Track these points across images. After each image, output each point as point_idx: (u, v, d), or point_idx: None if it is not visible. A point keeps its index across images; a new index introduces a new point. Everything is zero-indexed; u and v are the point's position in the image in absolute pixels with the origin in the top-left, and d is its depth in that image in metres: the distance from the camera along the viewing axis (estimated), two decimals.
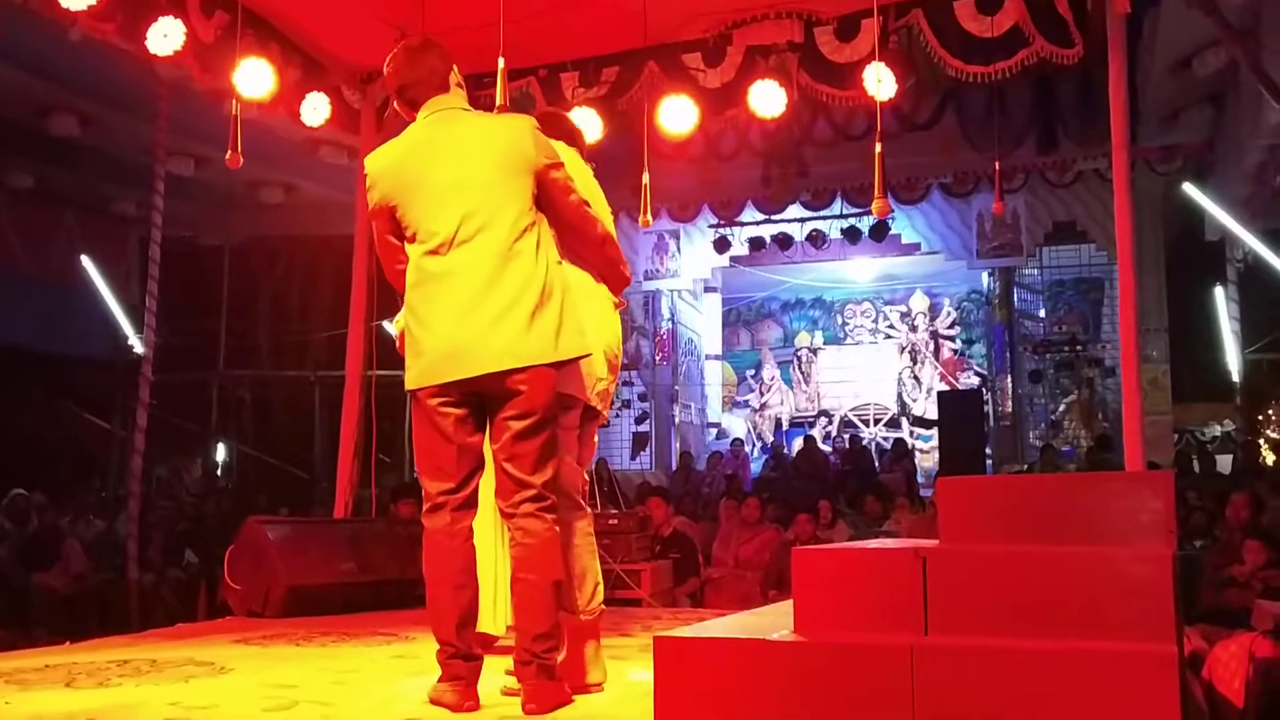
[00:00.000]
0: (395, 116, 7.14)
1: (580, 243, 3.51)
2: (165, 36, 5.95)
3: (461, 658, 3.14)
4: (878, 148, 5.24)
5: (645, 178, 6.12)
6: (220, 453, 16.08)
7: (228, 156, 5.75)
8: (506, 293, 3.12)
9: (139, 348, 11.73)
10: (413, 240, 3.25)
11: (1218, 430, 15.26)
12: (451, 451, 3.18)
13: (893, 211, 12.87)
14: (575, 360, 3.28)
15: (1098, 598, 2.62)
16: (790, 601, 2.95)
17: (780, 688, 2.64)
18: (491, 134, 3.29)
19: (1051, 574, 2.68)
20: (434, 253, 3.18)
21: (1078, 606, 2.62)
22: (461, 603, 3.16)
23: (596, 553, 3.52)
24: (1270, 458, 13.52)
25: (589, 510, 3.60)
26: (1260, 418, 14.74)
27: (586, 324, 3.42)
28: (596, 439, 3.79)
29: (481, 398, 3.17)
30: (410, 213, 3.24)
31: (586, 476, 3.76)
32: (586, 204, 3.44)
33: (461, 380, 3.12)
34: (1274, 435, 14.22)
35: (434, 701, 3.14)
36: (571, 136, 3.82)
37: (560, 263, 3.31)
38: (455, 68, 3.39)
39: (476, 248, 3.14)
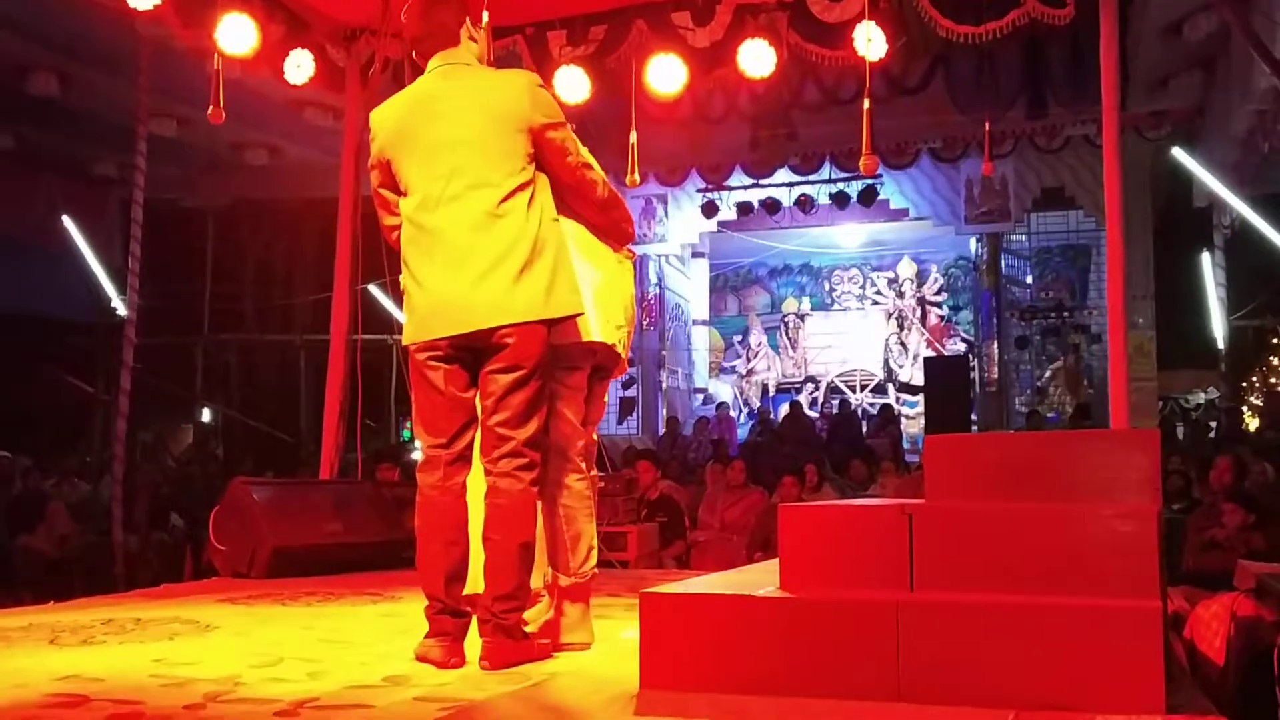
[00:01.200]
0: (380, 75, 7.12)
1: (582, 206, 3.46)
2: None
3: (449, 614, 3.15)
4: (866, 104, 5.21)
5: (633, 137, 6.09)
6: (205, 417, 16.03)
7: (209, 111, 5.67)
8: (494, 249, 3.10)
9: (122, 311, 11.64)
10: (406, 195, 3.25)
11: (1202, 397, 15.34)
12: (443, 405, 3.19)
13: (881, 171, 12.84)
14: (570, 319, 3.26)
15: (1083, 554, 2.62)
16: (776, 560, 2.95)
17: (766, 643, 2.64)
18: (487, 90, 3.26)
19: (1037, 531, 2.69)
20: (425, 209, 3.18)
21: (1063, 563, 2.62)
22: (452, 559, 3.17)
23: (594, 516, 3.51)
24: (1253, 423, 13.59)
25: (588, 472, 3.60)
26: (1244, 384, 14.81)
27: (599, 278, 3.43)
28: (606, 399, 3.79)
29: (474, 353, 3.17)
30: (404, 167, 3.24)
31: (596, 438, 3.75)
32: (588, 166, 3.39)
33: (452, 336, 3.12)
34: (1257, 401, 14.30)
35: (420, 658, 3.15)
36: None
37: (556, 219, 3.28)
38: (468, 21, 3.35)
39: (466, 204, 3.13)
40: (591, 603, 3.56)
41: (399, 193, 3.30)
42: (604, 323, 3.48)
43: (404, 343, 3.25)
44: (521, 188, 3.17)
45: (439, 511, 3.19)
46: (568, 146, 3.31)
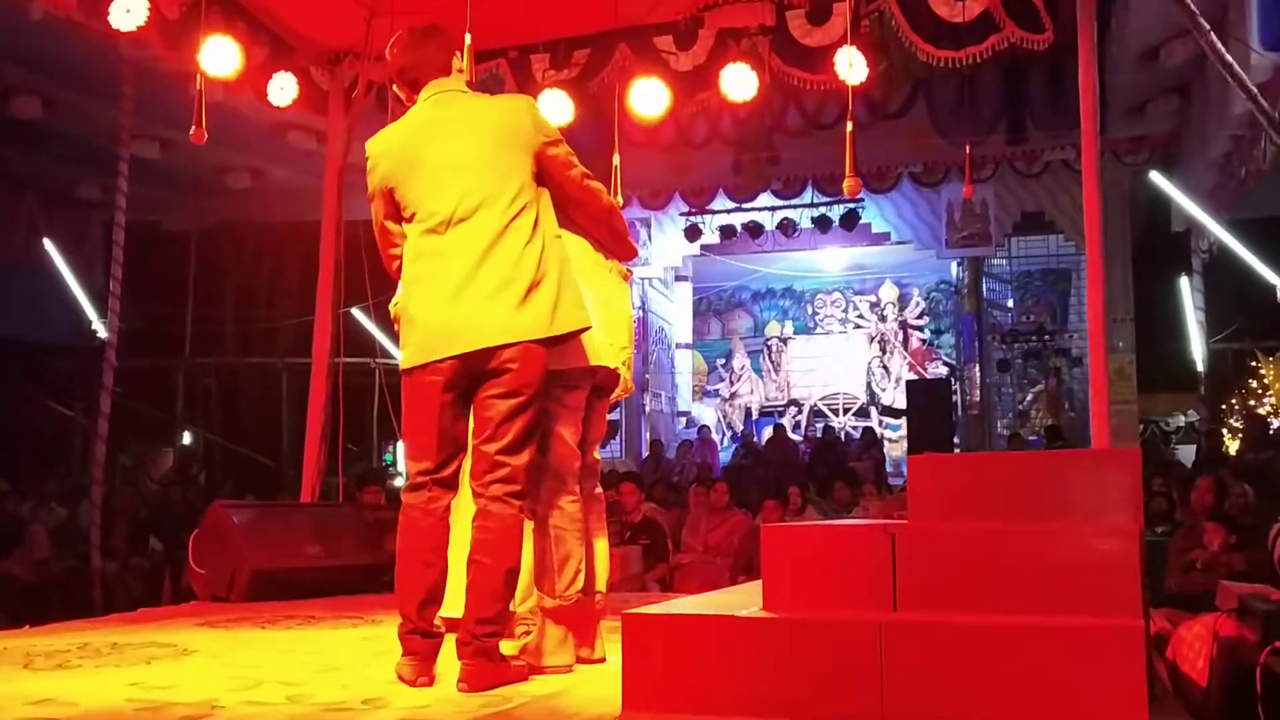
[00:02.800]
0: (363, 98, 7.14)
1: (586, 217, 3.51)
2: (128, 12, 5.85)
3: (420, 634, 3.16)
4: (848, 126, 5.25)
5: (615, 159, 6.11)
6: (186, 440, 15.92)
7: (192, 132, 5.67)
8: (500, 270, 3.13)
9: (103, 333, 11.58)
10: (411, 220, 3.27)
11: (1182, 420, 15.42)
12: (434, 433, 3.20)
13: (862, 195, 12.91)
14: (574, 336, 3.28)
15: (1065, 573, 2.63)
16: (760, 581, 2.95)
17: (749, 664, 2.63)
18: (490, 115, 3.32)
19: (1020, 550, 2.69)
20: (432, 231, 3.20)
21: (1045, 582, 2.63)
22: (427, 581, 3.17)
23: (583, 539, 3.50)
24: (1233, 446, 13.66)
25: (592, 490, 3.64)
26: (1224, 407, 14.90)
27: (598, 299, 3.46)
28: (608, 417, 3.80)
29: (472, 378, 3.17)
30: (409, 192, 3.26)
31: (598, 456, 3.76)
32: (589, 176, 3.45)
33: (454, 358, 3.13)
34: (1237, 424, 14.38)
35: (397, 675, 3.17)
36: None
37: (559, 237, 3.31)
38: (459, 53, 3.44)
39: (473, 226, 3.16)
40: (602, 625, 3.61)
41: (401, 221, 3.31)
42: (606, 345, 3.51)
43: (404, 366, 3.25)
44: (527, 208, 3.21)
45: (419, 534, 3.20)
46: (571, 160, 3.37)
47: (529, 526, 3.41)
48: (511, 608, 4.06)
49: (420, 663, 3.15)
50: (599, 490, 3.75)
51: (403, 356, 3.26)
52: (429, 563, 3.18)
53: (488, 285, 3.12)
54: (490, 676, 3.11)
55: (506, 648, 3.41)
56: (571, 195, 3.40)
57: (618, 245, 3.66)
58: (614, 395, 3.77)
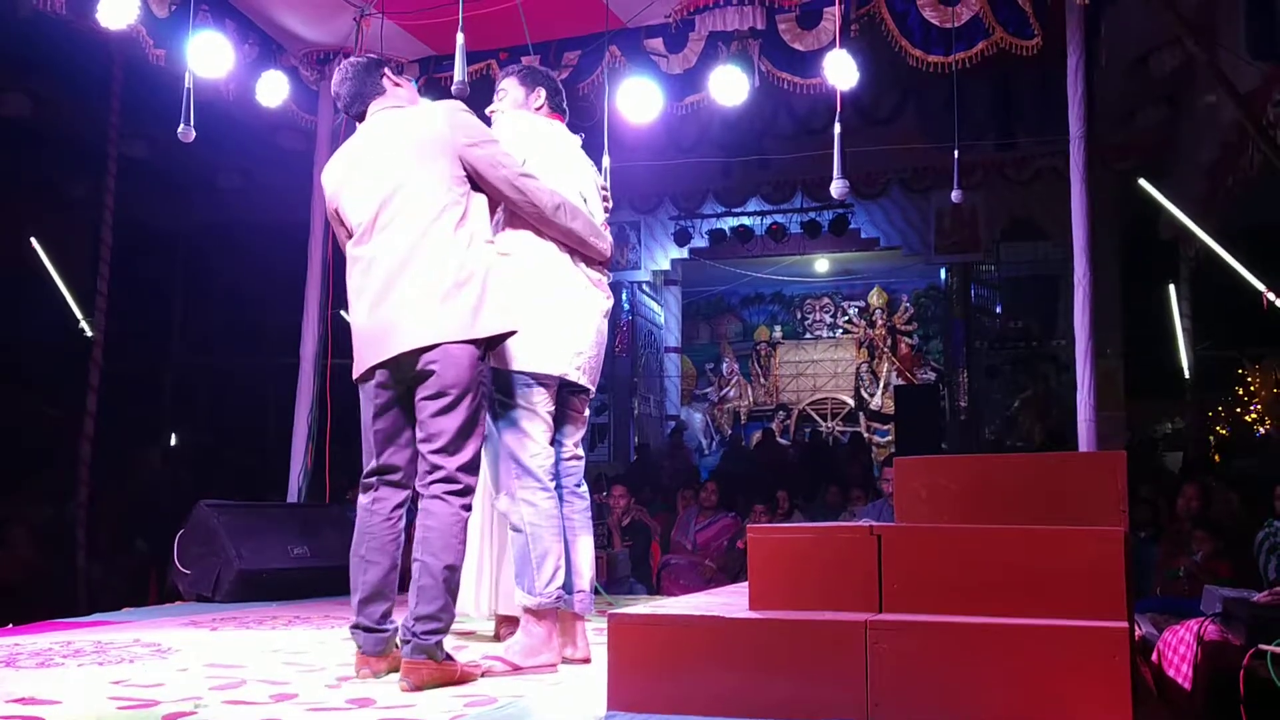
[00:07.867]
0: None
1: (530, 217, 3.49)
2: (117, 10, 5.82)
3: (361, 629, 3.26)
4: (837, 128, 5.25)
5: (605, 161, 6.11)
6: (173, 440, 15.85)
7: (180, 130, 5.64)
8: (419, 275, 3.18)
9: (90, 333, 11.53)
10: (351, 236, 3.37)
11: (1169, 427, 15.46)
12: (380, 435, 3.31)
13: (851, 200, 12.93)
14: (501, 340, 3.31)
15: (1050, 575, 2.63)
16: (746, 583, 2.95)
17: (734, 664, 2.63)
18: (406, 125, 3.38)
19: (1005, 552, 2.70)
20: (358, 242, 3.31)
21: (1031, 584, 2.63)
22: (369, 579, 3.26)
23: (560, 535, 3.49)
24: (1220, 454, 13.71)
25: (575, 487, 3.65)
26: (1211, 414, 14.96)
27: (560, 305, 3.50)
28: (587, 412, 3.78)
29: (407, 384, 3.24)
30: (344, 210, 3.38)
31: (581, 453, 3.75)
32: (528, 175, 3.44)
33: (385, 363, 3.21)
34: (1224, 431, 14.43)
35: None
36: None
37: (491, 241, 3.34)
38: (387, 70, 3.51)
39: (391, 235, 3.24)
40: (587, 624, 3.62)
41: None
42: (562, 350, 3.49)
43: (353, 377, 3.35)
44: (446, 212, 3.23)
45: (362, 532, 3.30)
46: (497, 160, 3.37)
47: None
48: (501, 610, 4.07)
49: (364, 657, 3.25)
50: (582, 487, 3.73)
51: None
52: (371, 561, 3.26)
53: (406, 291, 3.18)
54: (431, 675, 3.12)
55: (496, 648, 3.41)
56: (506, 196, 3.42)
57: (580, 246, 3.59)
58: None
